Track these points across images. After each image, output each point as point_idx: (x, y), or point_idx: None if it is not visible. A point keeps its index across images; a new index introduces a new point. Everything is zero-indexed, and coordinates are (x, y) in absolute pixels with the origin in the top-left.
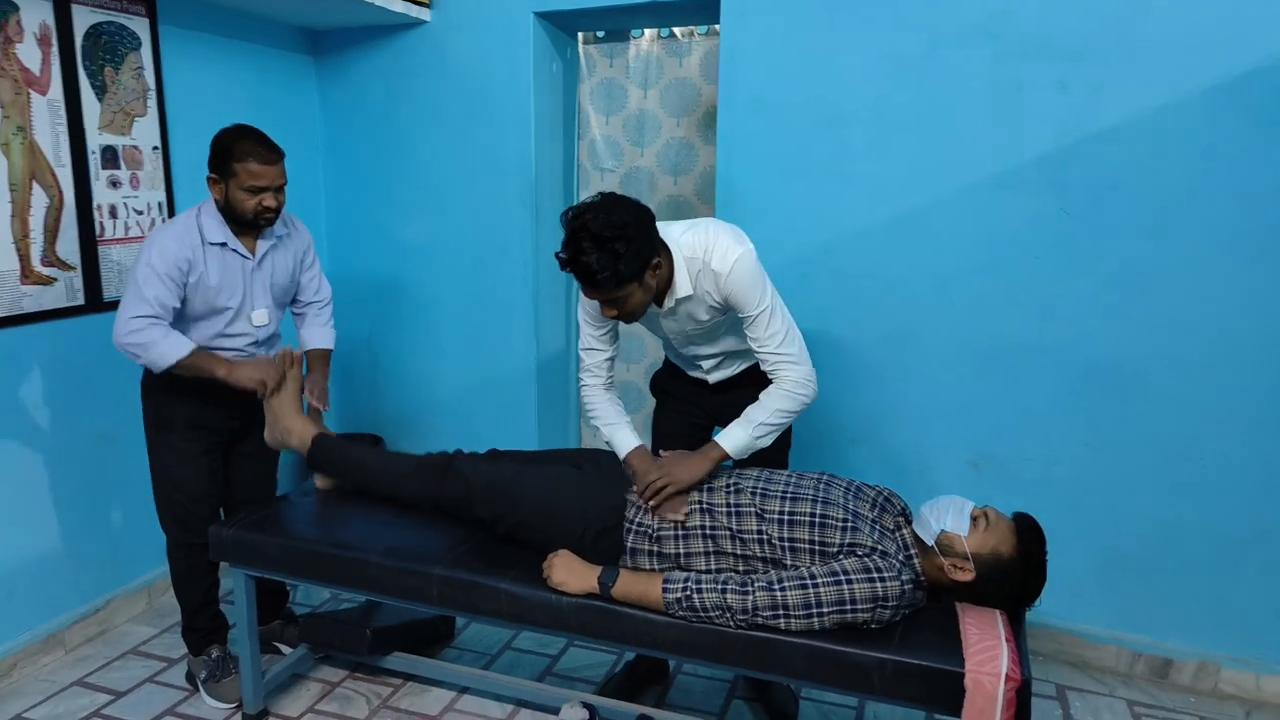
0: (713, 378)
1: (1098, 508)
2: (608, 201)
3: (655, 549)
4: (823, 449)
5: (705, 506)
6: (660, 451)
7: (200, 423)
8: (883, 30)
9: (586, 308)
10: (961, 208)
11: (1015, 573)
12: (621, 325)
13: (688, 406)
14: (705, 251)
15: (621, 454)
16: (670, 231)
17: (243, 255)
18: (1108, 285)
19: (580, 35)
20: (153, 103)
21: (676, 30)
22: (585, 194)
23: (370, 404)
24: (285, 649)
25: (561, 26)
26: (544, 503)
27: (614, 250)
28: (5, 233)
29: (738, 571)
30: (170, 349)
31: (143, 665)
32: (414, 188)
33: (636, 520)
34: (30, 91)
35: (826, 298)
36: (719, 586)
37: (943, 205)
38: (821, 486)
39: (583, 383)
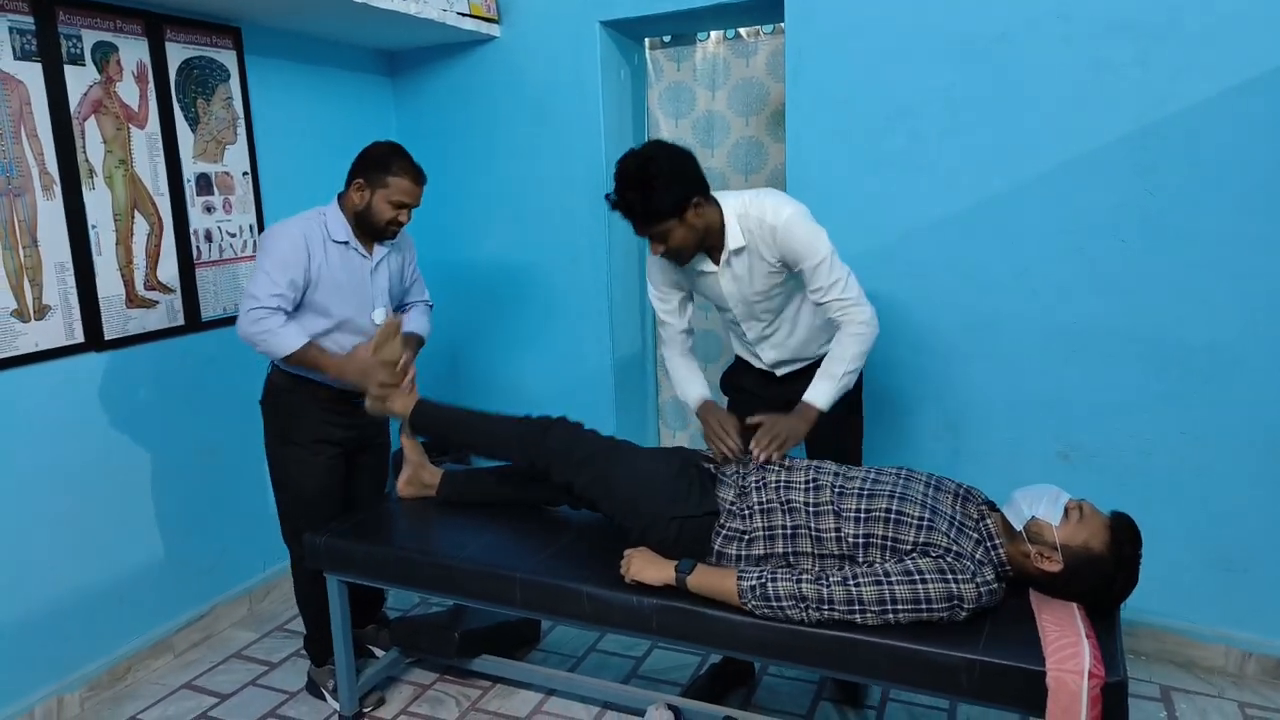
0: (779, 370)
1: (1199, 499)
2: (648, 147)
3: (744, 552)
4: (904, 443)
5: (786, 505)
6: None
7: (322, 436)
8: (950, 17)
9: (653, 276)
10: (1041, 193)
11: (1104, 570)
12: (694, 301)
13: (757, 403)
14: (757, 209)
15: (691, 405)
16: (726, 198)
17: (361, 255)
18: (1200, 267)
19: (647, 41)
20: (241, 130)
21: (742, 31)
22: None
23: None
24: (379, 652)
25: (628, 34)
26: (635, 486)
27: (650, 185)
28: (111, 260)
29: (813, 568)
30: (286, 339)
31: (246, 669)
32: (488, 200)
33: (728, 526)
34: (130, 126)
35: (905, 290)
36: (794, 576)
37: (1021, 191)
38: (900, 482)
39: (663, 354)
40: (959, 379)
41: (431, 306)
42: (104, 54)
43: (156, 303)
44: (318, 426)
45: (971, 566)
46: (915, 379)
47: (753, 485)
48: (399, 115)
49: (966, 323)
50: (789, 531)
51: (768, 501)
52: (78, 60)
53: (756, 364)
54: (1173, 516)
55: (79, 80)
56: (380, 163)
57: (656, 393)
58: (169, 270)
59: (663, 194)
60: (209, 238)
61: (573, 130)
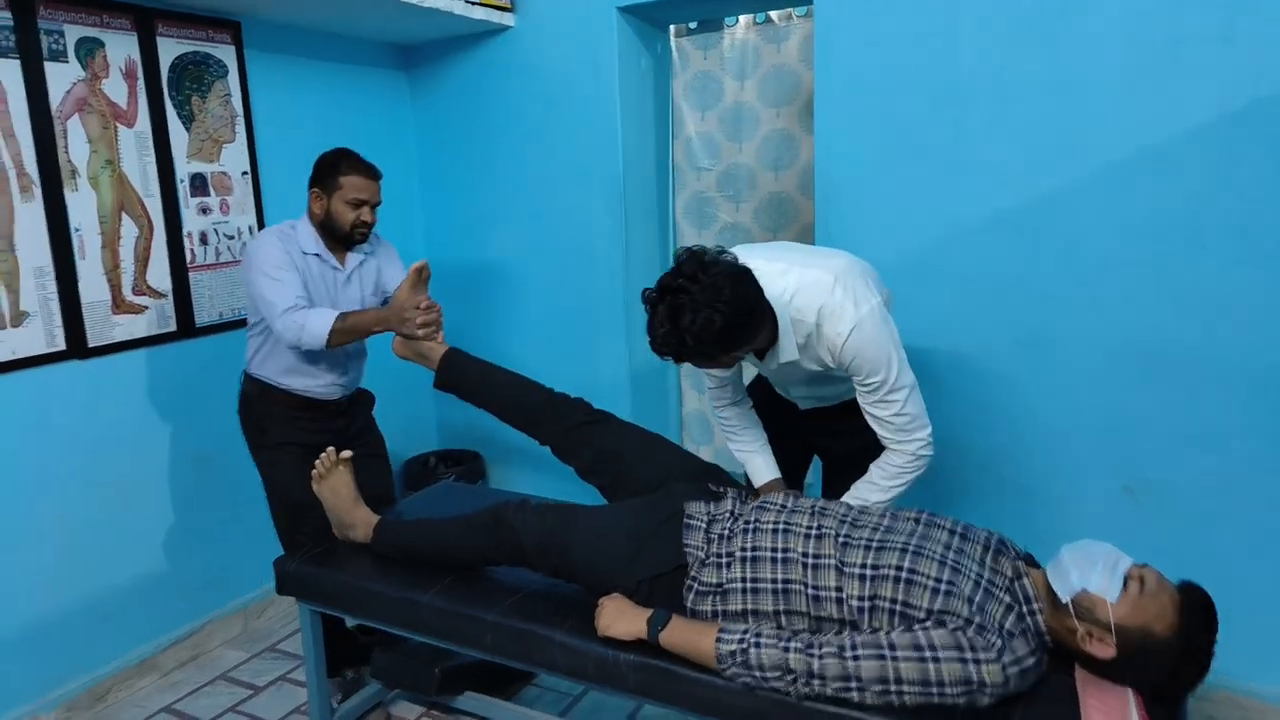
0: (804, 404)
1: None
2: (708, 288)
3: (721, 607)
4: (941, 473)
5: (781, 555)
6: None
7: (288, 438)
8: None
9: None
10: (1105, 191)
11: (1167, 660)
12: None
13: (782, 427)
14: (817, 315)
15: (756, 484)
16: (778, 284)
17: (333, 267)
18: None
19: (672, 29)
20: (241, 128)
21: (773, 14)
22: (682, 197)
23: (468, 419)
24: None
25: (649, 20)
26: (593, 551)
27: (683, 340)
28: (96, 264)
29: (808, 632)
30: (319, 324)
31: (229, 693)
32: (504, 197)
33: (700, 578)
34: (117, 125)
35: (945, 301)
36: (782, 642)
37: (1082, 189)
38: (918, 532)
39: (713, 404)
40: (1007, 401)
41: None
42: (89, 50)
43: (146, 308)
44: (283, 429)
45: (998, 641)
46: (956, 400)
47: (738, 530)
48: (415, 110)
49: (1017, 338)
50: (779, 586)
51: (754, 549)
52: (60, 57)
53: (783, 394)
54: (1261, 566)
55: (61, 77)
56: (330, 167)
57: (680, 404)
58: (160, 274)
59: (700, 352)
60: (204, 240)
61: (589, 125)
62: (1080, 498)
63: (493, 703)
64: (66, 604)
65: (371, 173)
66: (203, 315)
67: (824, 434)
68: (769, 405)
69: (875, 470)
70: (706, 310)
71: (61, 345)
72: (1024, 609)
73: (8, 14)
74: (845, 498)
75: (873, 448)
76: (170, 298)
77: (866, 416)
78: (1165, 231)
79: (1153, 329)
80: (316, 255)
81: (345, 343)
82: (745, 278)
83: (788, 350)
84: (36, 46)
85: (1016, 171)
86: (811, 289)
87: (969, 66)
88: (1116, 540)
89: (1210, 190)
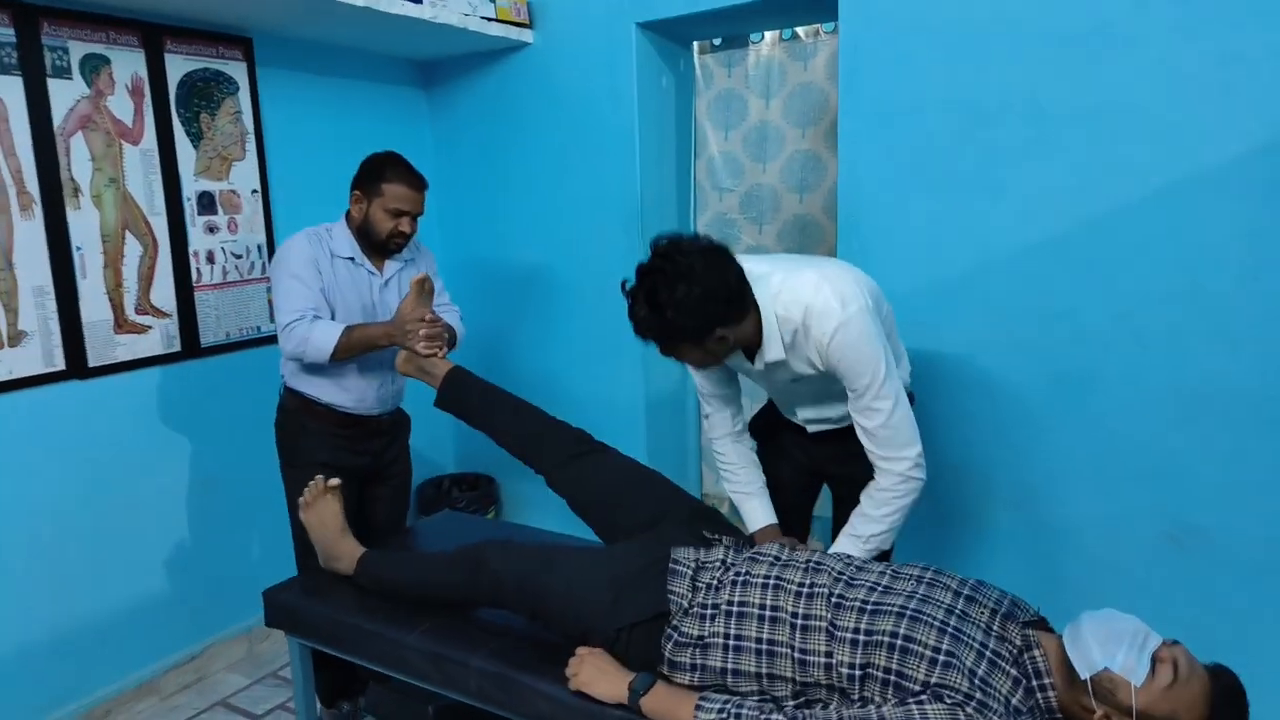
0: (811, 428)
1: None
2: (681, 264)
3: (700, 661)
4: (970, 515)
5: (771, 612)
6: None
7: (324, 460)
8: (1037, 6)
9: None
10: (1149, 218)
11: None
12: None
13: (791, 454)
14: (803, 313)
15: (749, 529)
16: (767, 284)
17: (370, 272)
18: None
19: (696, 45)
20: (252, 146)
21: (800, 31)
22: (703, 218)
23: (483, 440)
24: None
25: (671, 36)
26: (570, 596)
27: (663, 315)
28: (98, 283)
29: (791, 700)
30: (324, 337)
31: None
32: (521, 218)
33: (681, 628)
34: (122, 142)
35: (976, 333)
36: (764, 715)
37: (1124, 215)
38: (920, 591)
39: (710, 434)
40: (1042, 440)
41: (459, 315)
42: (94, 67)
43: (149, 328)
44: (320, 450)
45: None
46: (986, 438)
47: (726, 581)
48: (434, 128)
49: (1053, 373)
50: (763, 647)
51: (741, 604)
52: (64, 73)
53: (789, 416)
54: None
55: (65, 94)
56: (375, 172)
57: (698, 433)
58: (164, 293)
59: (680, 329)
60: (211, 259)
61: (606, 144)
62: (1120, 544)
63: None
64: (66, 625)
65: (417, 183)
66: (208, 335)
67: (832, 460)
68: (776, 430)
69: (865, 500)
70: (684, 283)
71: (61, 365)
72: (1033, 684)
73: (10, 30)
74: (840, 536)
75: None
76: (175, 317)
77: (856, 430)
78: (1214, 263)
79: (1199, 367)
80: (350, 259)
81: (350, 357)
82: (720, 252)
83: (774, 348)
84: (40, 63)
85: (1053, 197)
86: (798, 288)
87: (1003, 88)
88: (1160, 590)
89: (1264, 219)
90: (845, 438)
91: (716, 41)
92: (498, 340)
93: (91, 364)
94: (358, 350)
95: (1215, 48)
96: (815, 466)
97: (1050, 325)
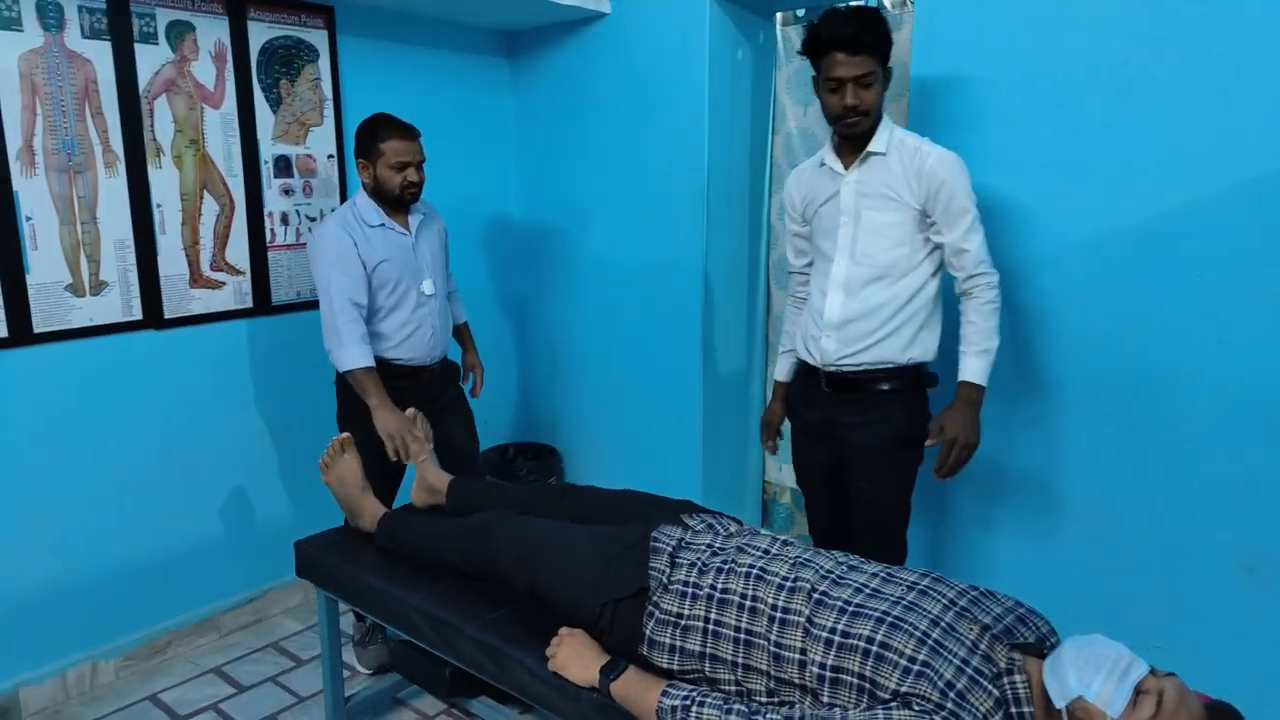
0: (830, 361)
1: None
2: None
3: (679, 643)
4: (1034, 525)
5: (751, 601)
6: None
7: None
8: None
9: (790, 196)
10: (1243, 209)
11: None
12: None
13: (814, 434)
14: (912, 137)
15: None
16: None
17: (400, 233)
18: None
19: (779, 16)
20: (330, 112)
21: (886, 1)
22: (778, 196)
23: (549, 414)
24: None
25: (751, 7)
26: (561, 570)
27: (872, 21)
28: (176, 239)
29: (764, 695)
30: (348, 357)
31: (274, 662)
32: (594, 193)
33: (662, 605)
34: (204, 106)
35: (1048, 327)
36: (724, 706)
37: (1214, 205)
38: (905, 601)
39: (793, 261)
40: (1112, 449)
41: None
42: (179, 33)
43: (223, 284)
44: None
45: None
46: (1054, 440)
47: (712, 566)
48: (515, 99)
49: (1129, 372)
50: (741, 635)
51: (724, 590)
52: (150, 39)
53: (814, 352)
54: None
55: (151, 59)
56: (370, 135)
57: (757, 420)
58: (239, 251)
59: (886, 29)
60: (285, 220)
61: (676, 119)
62: (1187, 571)
63: (505, 711)
64: (137, 558)
65: (410, 133)
66: (280, 294)
67: (845, 425)
68: (800, 410)
69: (975, 317)
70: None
71: (138, 315)
72: (1013, 710)
73: None
74: (966, 358)
75: (890, 441)
76: (248, 275)
77: (952, 257)
78: None
79: None
80: (382, 225)
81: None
82: None
83: (880, 140)
84: (128, 28)
85: (1138, 182)
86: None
87: (1087, 60)
88: (1231, 627)
89: None
90: (859, 390)
91: (799, 12)
92: (561, 314)
93: (167, 315)
94: (356, 385)
95: None
96: (831, 432)
97: (1128, 324)
